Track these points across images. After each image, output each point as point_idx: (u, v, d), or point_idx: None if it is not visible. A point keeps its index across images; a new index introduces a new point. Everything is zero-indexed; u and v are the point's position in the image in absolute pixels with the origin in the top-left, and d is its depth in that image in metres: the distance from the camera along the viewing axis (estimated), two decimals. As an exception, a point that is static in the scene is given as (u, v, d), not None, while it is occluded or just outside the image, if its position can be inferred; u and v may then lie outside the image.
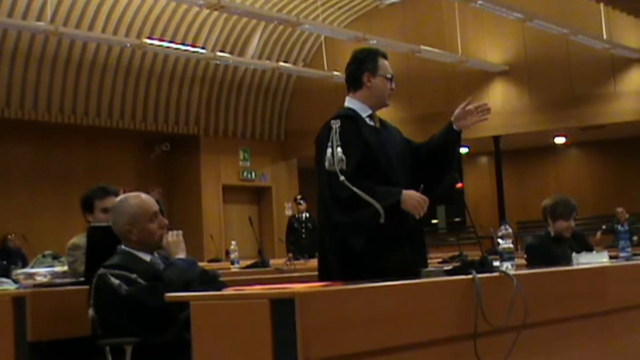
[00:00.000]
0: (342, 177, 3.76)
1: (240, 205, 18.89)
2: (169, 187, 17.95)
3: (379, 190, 3.86)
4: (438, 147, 4.19)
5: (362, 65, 4.21)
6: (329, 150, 3.80)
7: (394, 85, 4.23)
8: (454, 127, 4.18)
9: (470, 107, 4.17)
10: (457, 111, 4.17)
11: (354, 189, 3.77)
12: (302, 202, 14.93)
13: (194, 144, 18.12)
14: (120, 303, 3.75)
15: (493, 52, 18.00)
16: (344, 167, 3.77)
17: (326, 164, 3.80)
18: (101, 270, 3.86)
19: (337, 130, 3.83)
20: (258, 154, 19.25)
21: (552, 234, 5.98)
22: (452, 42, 17.31)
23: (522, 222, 18.96)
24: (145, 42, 15.19)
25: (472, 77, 17.84)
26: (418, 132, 17.54)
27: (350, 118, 4.07)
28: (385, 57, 4.26)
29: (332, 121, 3.90)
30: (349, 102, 4.21)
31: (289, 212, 18.76)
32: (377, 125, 4.21)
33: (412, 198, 3.88)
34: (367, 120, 4.17)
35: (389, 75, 4.20)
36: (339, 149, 3.78)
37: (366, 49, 4.31)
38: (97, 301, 3.85)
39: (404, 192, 3.89)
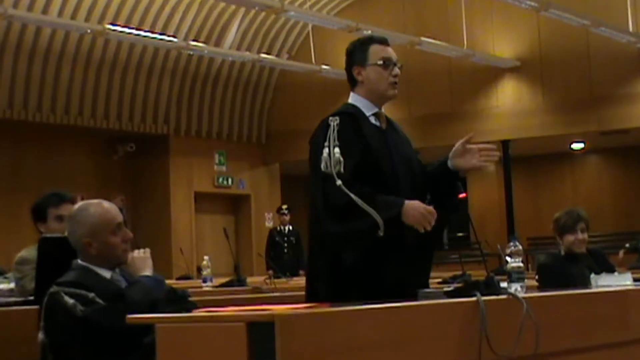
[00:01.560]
0: (339, 182, 3.79)
1: (214, 216, 18.89)
2: (134, 193, 17.91)
3: (379, 199, 3.85)
4: (432, 182, 4.17)
5: (351, 58, 4.21)
6: (326, 150, 3.84)
7: (397, 71, 4.17)
8: (449, 164, 4.11)
9: (472, 146, 4.07)
10: (456, 145, 4.09)
11: (352, 195, 3.78)
12: (286, 212, 14.96)
13: (163, 145, 18.11)
14: (74, 325, 3.73)
15: (503, 45, 18.05)
16: (342, 170, 3.80)
17: (322, 165, 3.83)
18: (54, 288, 3.84)
19: (336, 129, 3.88)
20: (235, 158, 19.25)
21: (563, 252, 6.01)
22: (457, 34, 17.36)
23: (534, 238, 18.98)
24: (108, 29, 15.15)
25: (479, 74, 17.88)
26: (418, 135, 17.66)
27: (350, 115, 4.07)
28: (380, 41, 4.23)
29: (331, 118, 3.96)
30: (352, 99, 4.21)
31: (269, 224, 18.81)
32: (384, 125, 4.20)
33: (416, 209, 3.86)
34: (372, 119, 4.16)
35: (380, 62, 4.16)
36: (337, 150, 3.82)
37: (356, 40, 4.30)
38: (49, 323, 3.84)
39: (407, 202, 3.88)
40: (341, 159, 3.80)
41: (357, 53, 4.19)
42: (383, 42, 4.23)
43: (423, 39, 16.58)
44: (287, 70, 19.00)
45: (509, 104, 17.89)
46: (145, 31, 16.08)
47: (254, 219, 19.41)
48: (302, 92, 19.10)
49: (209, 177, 18.82)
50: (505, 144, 17.88)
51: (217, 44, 17.82)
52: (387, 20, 17.99)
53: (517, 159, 18.65)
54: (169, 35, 16.58)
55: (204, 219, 18.59)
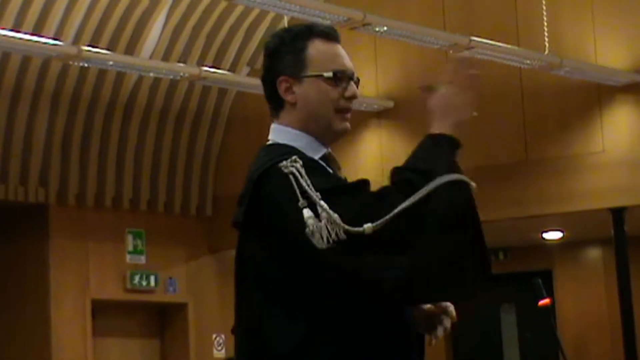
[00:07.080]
0: (368, 226, 3.90)
1: (126, 340, 19.05)
2: (-12, 303, 17.92)
3: (417, 162, 4.08)
4: None
5: (276, 62, 4.29)
6: (306, 212, 3.94)
7: (353, 90, 4.27)
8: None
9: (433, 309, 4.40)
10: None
11: (395, 211, 3.93)
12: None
13: (38, 222, 18.18)
14: None
15: (611, 48, 18.06)
16: (347, 225, 3.92)
17: (315, 238, 3.91)
18: None
19: (301, 173, 4.00)
20: (162, 242, 19.32)
21: None
22: (531, 31, 17.51)
23: (670, 371, 18.84)
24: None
25: (572, 96, 17.83)
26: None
27: (305, 157, 4.17)
28: (326, 35, 4.29)
29: (283, 164, 4.08)
30: (280, 135, 4.36)
31: (221, 352, 18.81)
32: (340, 173, 4.33)
33: (443, 100, 4.14)
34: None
35: (328, 74, 4.22)
36: (323, 203, 3.94)
37: (284, 30, 4.40)
38: None
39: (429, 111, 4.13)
40: (334, 216, 3.91)
41: (286, 54, 4.26)
42: (330, 36, 4.29)
43: (474, 39, 16.50)
44: (246, 94, 18.93)
45: (624, 146, 17.79)
46: (8, 30, 15.94)
47: (194, 345, 19.43)
48: (268, 129, 18.90)
49: (117, 273, 18.82)
50: (617, 215, 17.81)
51: (130, 50, 17.87)
52: (415, 10, 18.11)
53: (637, 240, 18.48)
54: (48, 37, 16.49)
55: (107, 345, 18.66)
